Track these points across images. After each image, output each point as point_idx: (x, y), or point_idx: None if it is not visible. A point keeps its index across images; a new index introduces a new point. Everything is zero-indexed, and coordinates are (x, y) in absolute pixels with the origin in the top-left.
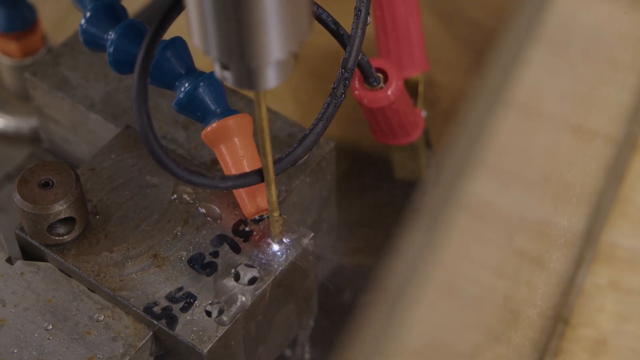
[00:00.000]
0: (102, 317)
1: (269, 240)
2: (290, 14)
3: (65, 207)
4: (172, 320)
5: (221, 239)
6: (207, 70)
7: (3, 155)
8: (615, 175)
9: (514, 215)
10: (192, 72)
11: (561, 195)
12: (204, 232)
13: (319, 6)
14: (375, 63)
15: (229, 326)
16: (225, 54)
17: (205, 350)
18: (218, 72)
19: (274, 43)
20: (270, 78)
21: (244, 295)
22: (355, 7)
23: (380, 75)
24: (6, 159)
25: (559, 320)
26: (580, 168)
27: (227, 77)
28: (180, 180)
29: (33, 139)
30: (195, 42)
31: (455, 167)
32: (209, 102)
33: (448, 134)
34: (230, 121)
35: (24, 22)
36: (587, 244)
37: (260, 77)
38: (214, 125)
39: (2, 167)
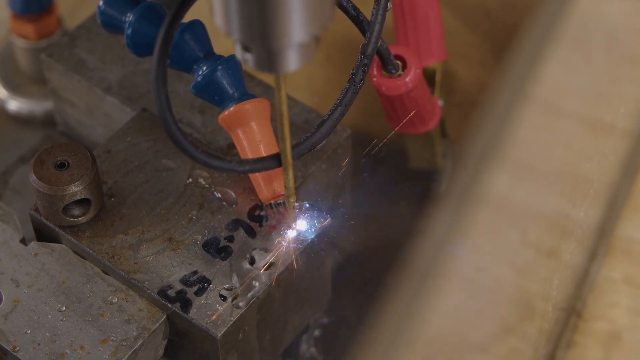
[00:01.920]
0: (116, 299)
1: (285, 226)
2: None
3: (80, 188)
4: (186, 304)
5: (236, 223)
6: (226, 54)
7: (17, 137)
8: (631, 169)
9: (531, 208)
10: (210, 55)
11: (578, 189)
12: (220, 216)
13: None
14: (394, 50)
15: (243, 311)
16: (247, 35)
17: (220, 335)
18: (239, 54)
19: (297, 25)
20: (292, 61)
21: (258, 280)
22: None
23: (398, 62)
24: (20, 141)
25: (572, 313)
26: (597, 162)
27: (248, 60)
28: (198, 163)
29: (46, 122)
30: (218, 24)
31: (476, 160)
32: (226, 86)
33: (465, 125)
34: (248, 105)
35: (40, 5)
36: (602, 237)
37: (281, 60)
38: (231, 109)
39: (16, 150)
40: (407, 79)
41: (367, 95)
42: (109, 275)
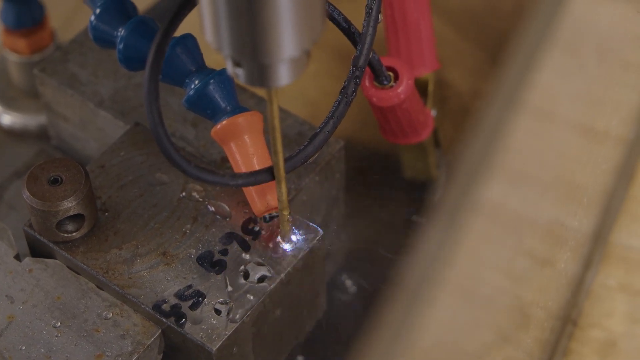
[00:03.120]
0: (111, 314)
1: (279, 239)
2: (303, 11)
3: (74, 204)
4: (181, 318)
5: (230, 237)
6: (218, 68)
7: (11, 152)
8: (625, 176)
9: (526, 216)
10: (202, 69)
11: (572, 197)
12: (213, 230)
13: (330, 4)
14: (386, 62)
15: (238, 324)
16: (238, 50)
17: (215, 349)
18: (230, 69)
19: (287, 40)
20: (283, 75)
21: (253, 293)
22: (366, 5)
23: (390, 74)
24: (14, 156)
25: (567, 321)
26: (591, 169)
27: (239, 75)
28: (191, 177)
29: (40, 136)
30: (208, 39)
31: (469, 169)
32: (219, 99)
33: (459, 134)
34: (241, 119)
35: (32, 19)
36: (597, 245)
37: (272, 75)
38: (224, 122)
39: (10, 164)
40: (399, 90)
41: (360, 106)
42: (103, 290)
